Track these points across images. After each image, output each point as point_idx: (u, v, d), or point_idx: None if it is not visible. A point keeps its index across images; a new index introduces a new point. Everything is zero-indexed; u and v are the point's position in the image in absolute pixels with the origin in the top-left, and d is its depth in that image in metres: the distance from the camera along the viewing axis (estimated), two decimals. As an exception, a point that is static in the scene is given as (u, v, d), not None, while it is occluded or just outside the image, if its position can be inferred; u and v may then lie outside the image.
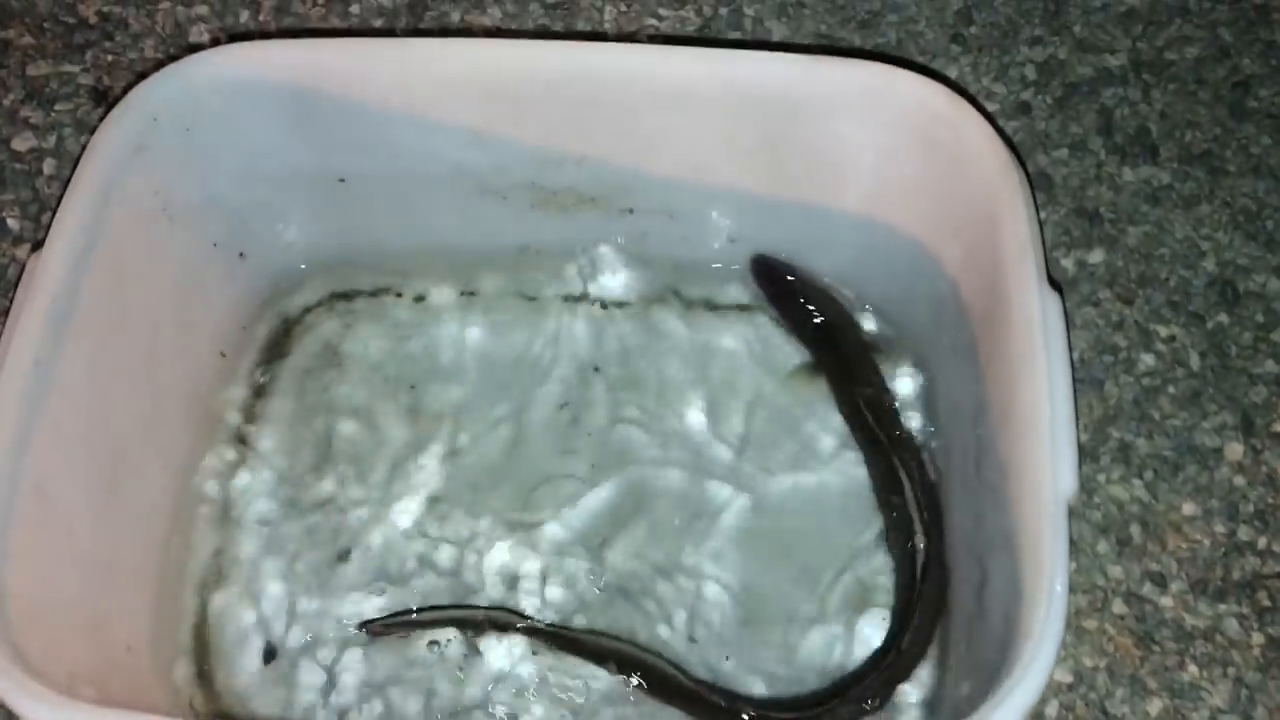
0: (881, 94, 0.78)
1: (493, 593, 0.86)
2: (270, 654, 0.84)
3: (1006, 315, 0.70)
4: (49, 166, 1.05)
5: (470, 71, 0.81)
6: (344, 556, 0.87)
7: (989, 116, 0.79)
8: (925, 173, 0.80)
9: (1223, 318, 0.97)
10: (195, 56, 0.81)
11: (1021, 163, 0.75)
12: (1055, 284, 0.70)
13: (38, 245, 0.75)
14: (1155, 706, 0.84)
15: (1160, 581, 0.88)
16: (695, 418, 0.92)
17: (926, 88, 0.77)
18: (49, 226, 0.75)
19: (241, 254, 0.91)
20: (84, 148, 0.78)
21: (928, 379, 0.91)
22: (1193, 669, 0.85)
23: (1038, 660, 0.59)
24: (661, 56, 0.82)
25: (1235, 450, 0.92)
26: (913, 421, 0.89)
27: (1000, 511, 0.69)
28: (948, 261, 0.82)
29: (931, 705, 0.80)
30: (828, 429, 0.91)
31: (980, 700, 0.61)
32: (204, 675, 0.83)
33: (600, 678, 0.82)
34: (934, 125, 0.77)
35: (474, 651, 0.83)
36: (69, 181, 0.76)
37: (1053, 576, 0.61)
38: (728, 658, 0.83)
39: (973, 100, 0.81)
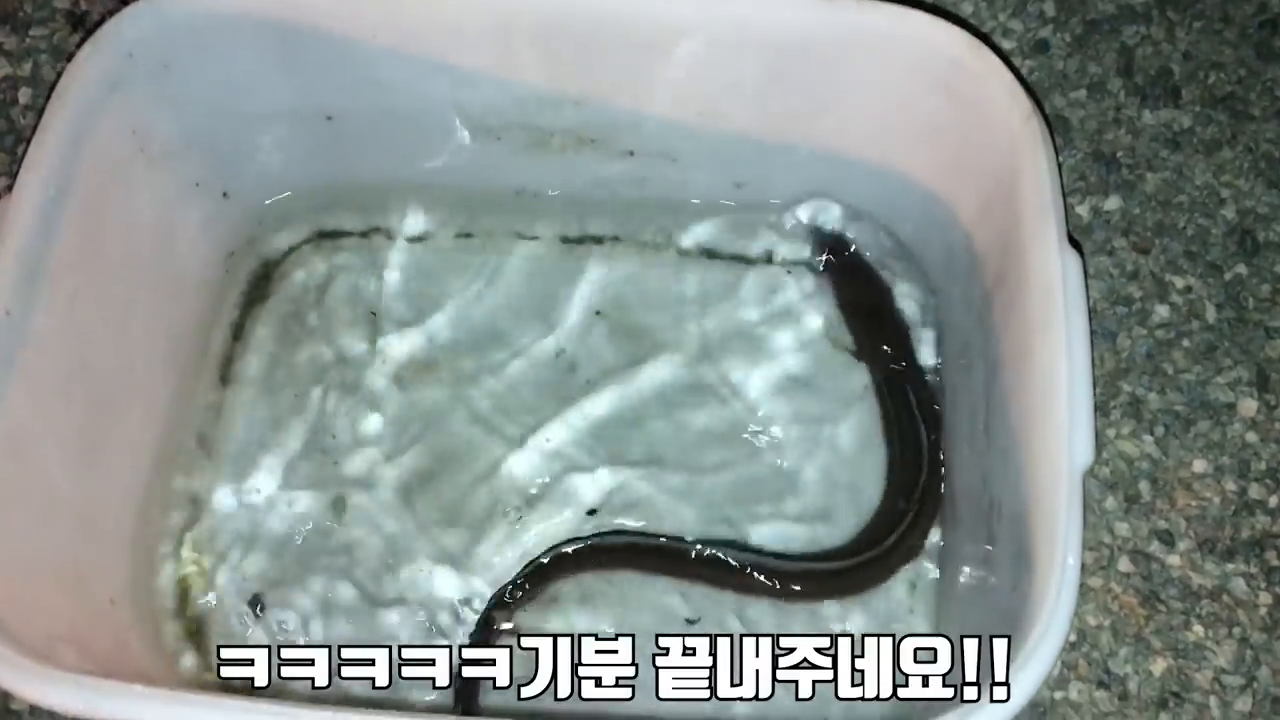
0: (896, 37, 0.74)
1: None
2: (257, 603, 0.82)
3: (1024, 274, 0.66)
4: (24, 95, 1.01)
5: (462, 7, 0.77)
6: (338, 505, 0.85)
7: (1007, 59, 0.75)
8: (941, 120, 0.77)
9: (1241, 268, 0.94)
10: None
11: (1042, 111, 0.71)
12: (1075, 242, 0.66)
13: (8, 189, 0.71)
14: (1159, 666, 0.83)
15: (1168, 540, 0.86)
16: (694, 367, 0.89)
17: (945, 32, 0.73)
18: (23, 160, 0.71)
19: (225, 194, 0.87)
20: (58, 77, 0.74)
21: (935, 330, 0.88)
22: (1198, 629, 0.84)
23: (1047, 638, 0.57)
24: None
25: (1249, 406, 0.90)
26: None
27: (1011, 477, 0.66)
28: (962, 212, 0.79)
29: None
30: (836, 379, 0.89)
31: (988, 670, 0.59)
32: (190, 627, 0.82)
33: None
34: (952, 72, 0.73)
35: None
36: (41, 116, 0.73)
37: (1065, 551, 0.59)
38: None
39: (989, 41, 0.77)
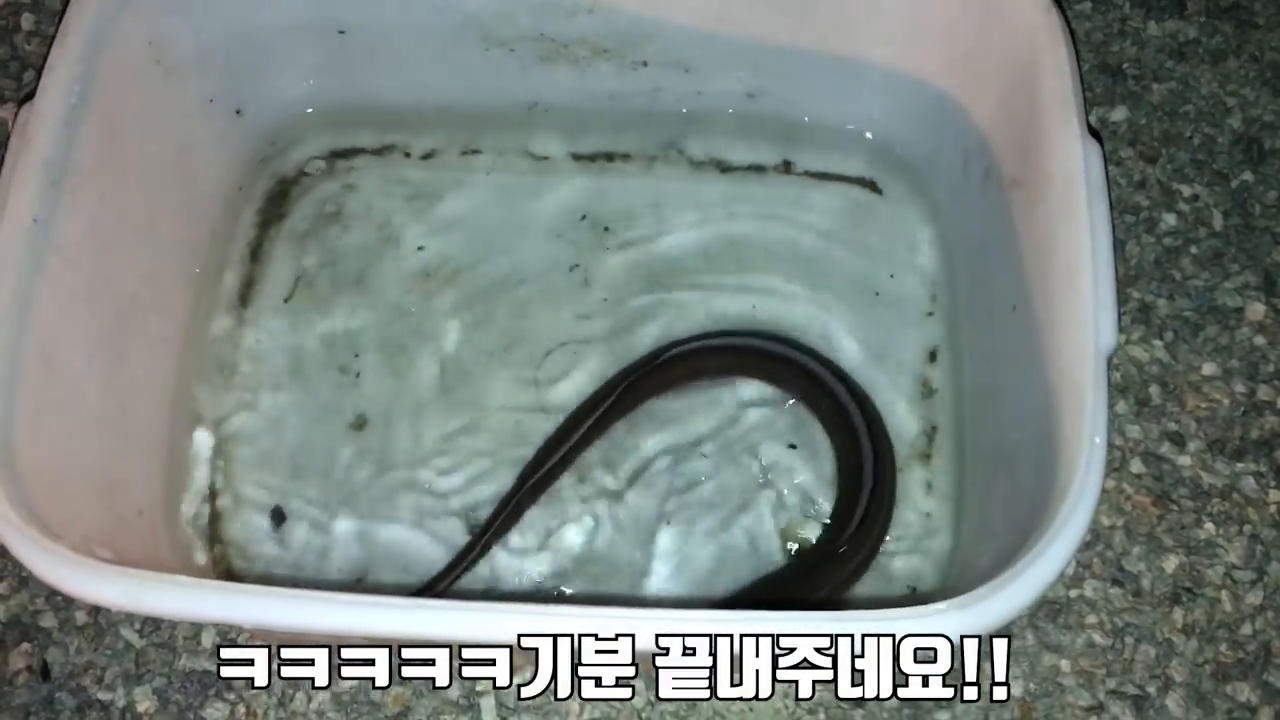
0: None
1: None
2: (279, 516, 0.83)
3: (1046, 166, 0.67)
4: (27, 21, 1.00)
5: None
6: (359, 425, 0.85)
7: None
8: (957, 19, 0.77)
9: (1247, 176, 0.95)
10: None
11: (1060, 5, 0.71)
12: (1095, 133, 0.67)
13: (28, 97, 0.71)
14: (1171, 563, 0.84)
15: (1178, 441, 0.87)
16: (709, 282, 0.90)
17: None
18: (32, 85, 0.71)
19: (238, 111, 0.87)
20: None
21: (941, 230, 0.89)
22: (1209, 526, 0.85)
23: (1078, 512, 0.58)
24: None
25: (1257, 310, 0.91)
26: (926, 267, 0.89)
27: (1033, 365, 0.67)
28: (978, 112, 0.79)
29: (950, 556, 0.80)
30: (845, 284, 0.90)
31: (1016, 551, 0.60)
32: (215, 538, 0.82)
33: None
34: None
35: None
36: (55, 33, 0.72)
37: (1094, 429, 0.60)
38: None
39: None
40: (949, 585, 0.79)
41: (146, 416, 0.79)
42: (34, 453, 0.64)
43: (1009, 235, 0.74)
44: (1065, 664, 0.81)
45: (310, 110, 0.91)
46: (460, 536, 0.82)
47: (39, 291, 0.67)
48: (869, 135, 0.90)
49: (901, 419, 0.85)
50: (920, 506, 0.83)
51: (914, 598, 0.76)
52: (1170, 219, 0.94)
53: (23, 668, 0.79)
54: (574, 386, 0.86)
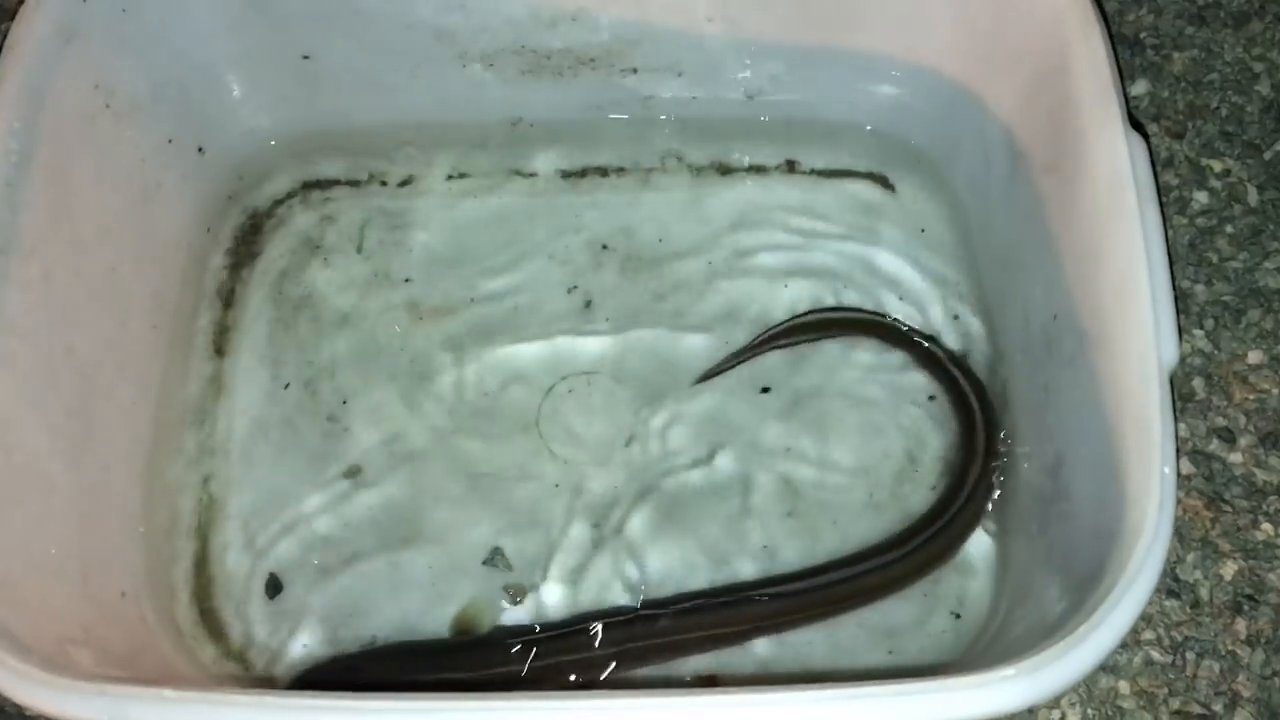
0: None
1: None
2: (275, 586, 0.77)
3: (1086, 166, 0.61)
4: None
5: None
6: (353, 474, 0.80)
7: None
8: (972, 6, 0.71)
9: (1280, 147, 0.90)
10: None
11: (1091, -15, 0.65)
12: (1137, 125, 0.61)
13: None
14: (1229, 569, 0.79)
15: (1228, 437, 0.82)
16: (719, 295, 0.84)
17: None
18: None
19: (200, 148, 0.81)
20: (2, 38, 0.67)
21: (965, 230, 0.83)
22: (1267, 527, 0.80)
23: (1152, 556, 0.53)
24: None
25: (1302, 290, 0.85)
26: (948, 267, 0.83)
27: (1085, 384, 0.62)
28: (999, 103, 0.73)
29: (997, 571, 0.75)
30: (861, 286, 0.84)
31: (1085, 593, 0.55)
32: (206, 614, 0.77)
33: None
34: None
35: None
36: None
37: (1161, 460, 0.54)
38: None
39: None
40: (999, 613, 0.74)
41: (121, 490, 0.73)
42: (-2, 553, 0.59)
43: (1043, 236, 0.68)
44: (1124, 685, 0.76)
45: (277, 141, 0.85)
46: (471, 591, 0.76)
47: (-12, 379, 0.61)
48: (879, 130, 0.85)
49: (930, 432, 0.80)
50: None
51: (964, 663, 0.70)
52: (1202, 197, 0.88)
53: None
54: (579, 423, 0.80)
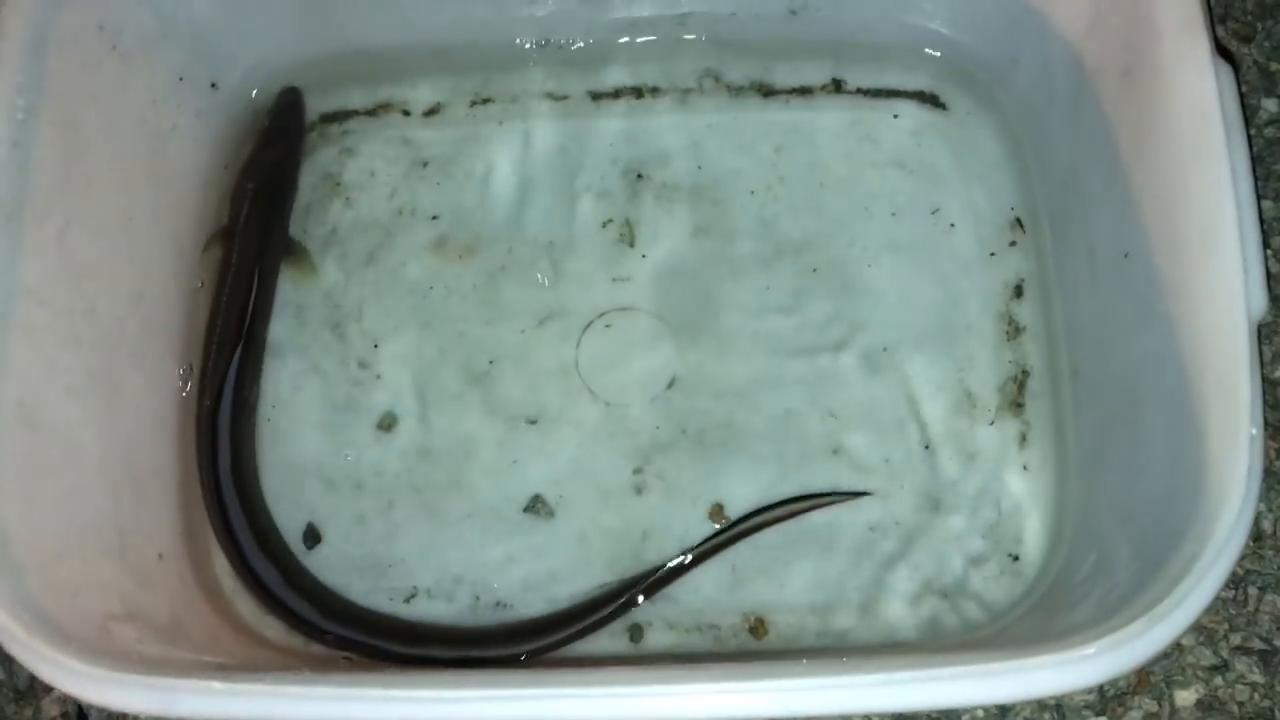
0: None
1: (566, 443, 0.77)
2: (313, 536, 0.76)
3: (1167, 95, 0.57)
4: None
5: None
6: (388, 421, 0.77)
7: None
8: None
9: (1359, 50, 0.84)
10: None
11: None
12: (1225, 51, 0.56)
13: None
14: (1294, 501, 0.76)
15: (1298, 368, 0.78)
16: (762, 227, 0.80)
17: None
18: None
19: (213, 84, 0.77)
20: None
21: (1021, 154, 0.79)
22: (1334, 455, 0.77)
23: (1239, 527, 0.50)
24: None
25: (1376, 208, 0.81)
26: (1004, 193, 0.78)
27: (1160, 330, 0.58)
28: (1065, 24, 0.68)
29: (1057, 515, 0.73)
30: (913, 213, 0.80)
31: (1162, 559, 0.52)
32: (247, 569, 0.75)
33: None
34: None
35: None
36: None
37: (1248, 420, 0.51)
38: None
39: None
40: (1059, 556, 0.72)
41: (152, 450, 0.71)
42: (31, 535, 0.57)
43: (1112, 167, 0.64)
44: (1183, 621, 0.74)
45: (294, 71, 0.80)
46: (512, 537, 0.75)
47: (10, 346, 0.58)
48: (930, 47, 0.80)
49: (986, 364, 0.77)
50: (1015, 461, 0.75)
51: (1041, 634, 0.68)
52: (1271, 105, 0.84)
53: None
54: (619, 362, 0.78)
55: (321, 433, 0.77)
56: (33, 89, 0.60)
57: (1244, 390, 0.51)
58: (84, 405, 0.64)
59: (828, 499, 0.74)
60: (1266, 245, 0.81)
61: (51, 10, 0.61)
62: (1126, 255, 0.62)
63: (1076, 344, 0.73)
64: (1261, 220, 0.80)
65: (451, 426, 0.77)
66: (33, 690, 0.75)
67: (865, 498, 0.75)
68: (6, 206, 0.58)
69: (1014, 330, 0.78)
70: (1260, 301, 0.52)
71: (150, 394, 0.71)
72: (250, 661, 0.68)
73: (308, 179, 0.82)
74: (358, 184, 0.82)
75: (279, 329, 0.79)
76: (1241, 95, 0.82)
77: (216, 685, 0.50)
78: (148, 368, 0.71)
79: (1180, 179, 0.56)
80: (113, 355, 0.68)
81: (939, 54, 0.79)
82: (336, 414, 0.78)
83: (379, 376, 0.78)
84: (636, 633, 0.74)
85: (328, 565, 0.75)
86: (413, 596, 0.75)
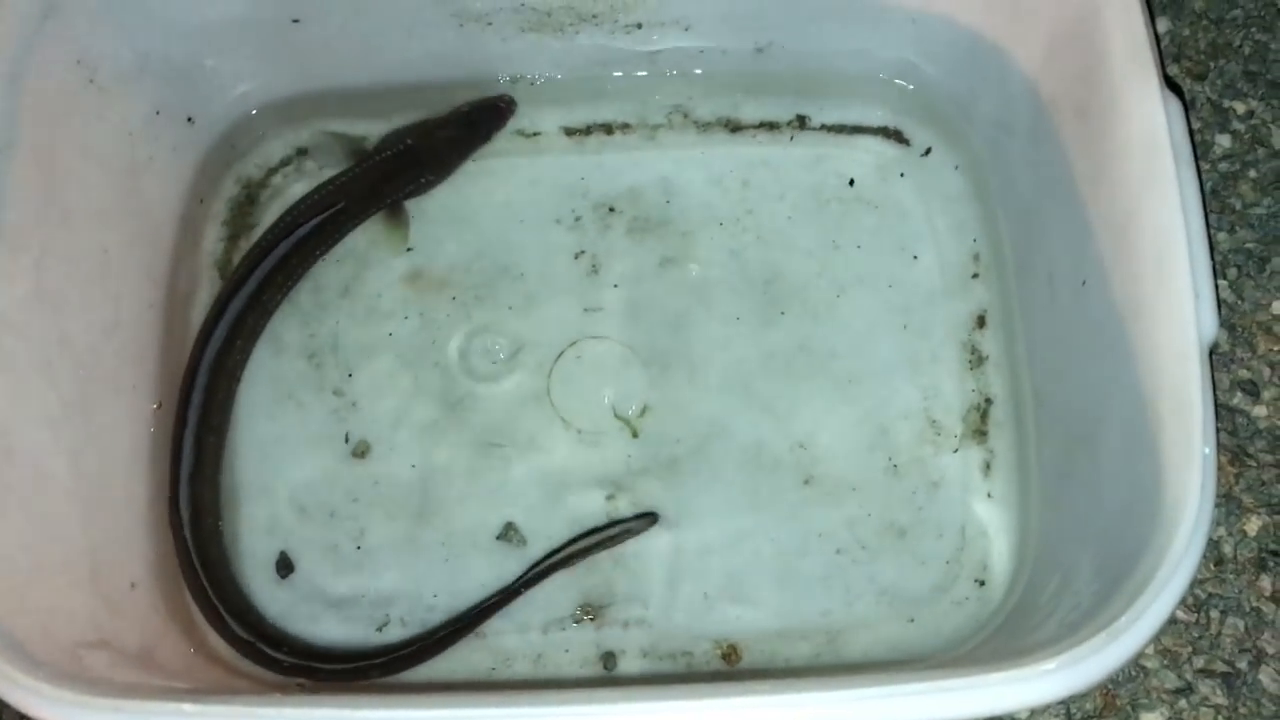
0: None
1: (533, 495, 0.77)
2: (285, 565, 0.76)
3: (1119, 127, 0.59)
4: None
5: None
6: (362, 450, 0.78)
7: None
8: (995, -48, 0.67)
9: (1306, 87, 0.87)
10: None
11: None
12: (1173, 85, 0.58)
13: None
14: (1254, 525, 0.78)
15: (1252, 390, 0.80)
16: (730, 258, 0.82)
17: None
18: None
19: (189, 119, 0.78)
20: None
21: (982, 187, 0.81)
22: (1291, 481, 0.79)
23: (1194, 542, 0.51)
24: None
25: (1327, 236, 0.83)
26: (967, 225, 0.80)
27: (1118, 349, 0.60)
28: (1021, 58, 0.70)
29: (1021, 540, 0.74)
30: (877, 246, 0.82)
31: (1121, 575, 0.53)
32: (220, 597, 0.75)
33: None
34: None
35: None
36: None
37: (1201, 439, 0.53)
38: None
39: None
40: (1021, 580, 0.73)
41: (126, 479, 0.71)
42: (2, 561, 0.57)
43: (1070, 199, 0.66)
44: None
45: (269, 107, 0.82)
46: (485, 564, 0.75)
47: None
48: (892, 83, 0.82)
49: (951, 393, 0.78)
50: (980, 488, 0.77)
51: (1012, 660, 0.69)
52: (1225, 141, 0.86)
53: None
54: (591, 391, 0.78)
55: (296, 461, 0.78)
56: (9, 120, 0.61)
57: (1197, 410, 0.52)
58: (56, 434, 0.65)
59: (621, 529, 0.75)
60: (1223, 276, 0.83)
61: (29, 43, 0.62)
62: (1084, 283, 0.64)
63: (1038, 371, 0.74)
64: (1214, 251, 0.82)
65: (425, 454, 0.78)
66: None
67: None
68: (-17, 229, 0.59)
69: (977, 359, 0.79)
70: (1211, 324, 0.54)
71: (123, 424, 0.71)
72: (223, 690, 0.68)
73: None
74: (332, 217, 0.83)
75: (257, 361, 0.79)
76: (1195, 131, 0.85)
77: (187, 708, 0.50)
78: (121, 398, 0.72)
79: (1133, 207, 0.57)
80: (86, 385, 0.68)
81: (901, 89, 0.81)
82: (311, 442, 0.78)
83: (354, 405, 0.79)
84: (610, 660, 0.74)
85: (300, 593, 0.75)
86: (385, 625, 0.75)
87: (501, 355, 0.80)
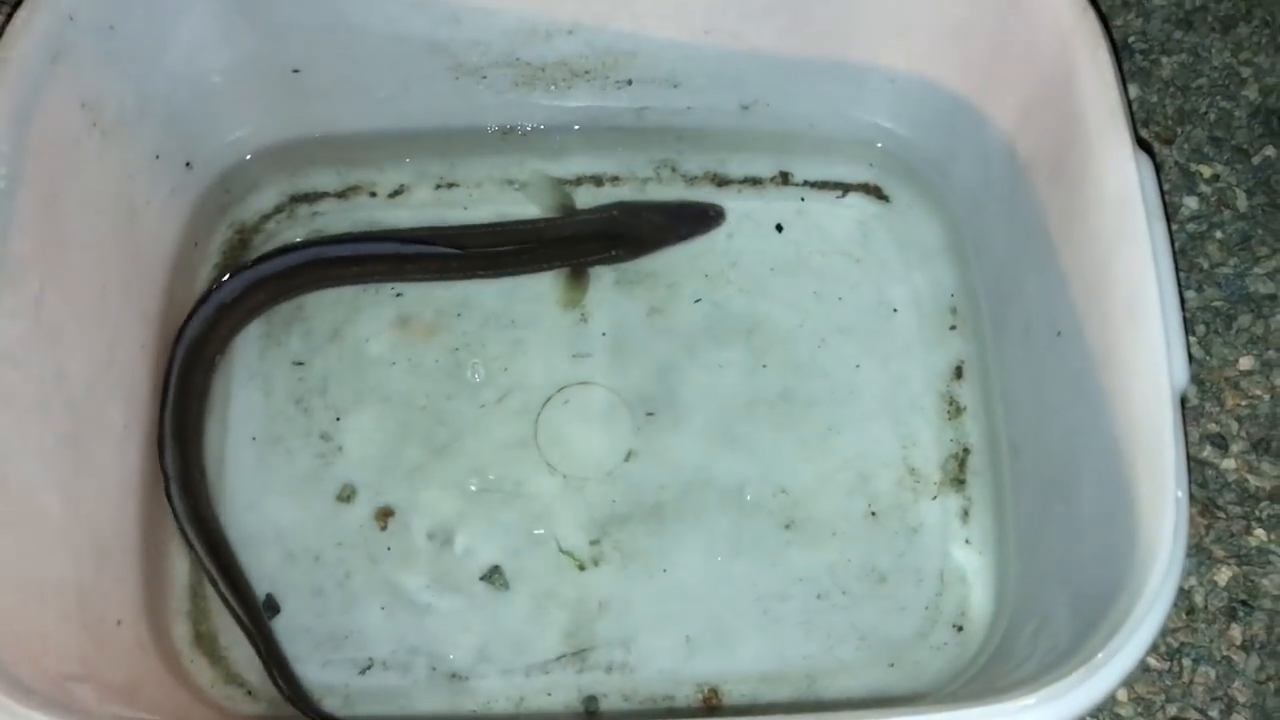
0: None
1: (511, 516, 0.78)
2: (272, 607, 0.76)
3: (1093, 183, 0.61)
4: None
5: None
6: (347, 496, 0.79)
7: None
8: (973, 18, 0.70)
9: (1270, 150, 0.90)
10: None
11: (1094, 3, 0.65)
12: (1144, 143, 0.61)
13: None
14: (1224, 575, 0.80)
15: (1220, 444, 0.82)
16: (715, 308, 0.84)
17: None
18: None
19: (188, 163, 0.79)
20: None
21: (960, 242, 0.83)
22: (1260, 533, 0.81)
23: (1168, 581, 0.53)
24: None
25: (1291, 295, 0.86)
26: (944, 278, 0.83)
27: (1093, 398, 0.62)
28: (999, 116, 0.73)
29: (999, 588, 0.76)
30: (857, 299, 0.84)
31: (1098, 616, 0.55)
32: (203, 638, 0.76)
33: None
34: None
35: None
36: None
37: (1175, 484, 0.54)
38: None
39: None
40: (1001, 625, 0.74)
41: (115, 516, 0.72)
42: (-4, 591, 0.57)
43: (1045, 253, 0.68)
44: (1121, 692, 0.77)
45: (265, 154, 0.83)
46: (469, 608, 0.76)
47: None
48: (873, 142, 0.84)
49: (929, 442, 0.80)
50: (958, 534, 0.78)
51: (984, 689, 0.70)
52: (1192, 203, 0.89)
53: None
54: (577, 436, 0.80)
55: (282, 504, 0.78)
56: (15, 159, 0.62)
57: (1169, 455, 0.54)
58: (48, 468, 0.65)
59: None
60: (1191, 333, 0.85)
61: (38, 85, 0.64)
62: (1059, 334, 0.66)
63: (1014, 421, 0.76)
64: (1184, 306, 0.84)
65: (411, 498, 0.79)
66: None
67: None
68: (-14, 260, 0.60)
69: (955, 409, 0.81)
70: (1182, 372, 0.56)
71: (113, 461, 0.72)
72: (206, 729, 0.68)
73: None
74: (324, 262, 0.85)
75: (246, 403, 0.80)
76: (1164, 193, 0.88)
77: (180, 738, 0.50)
78: (112, 435, 0.72)
79: (1106, 259, 0.60)
80: (78, 421, 0.69)
81: (882, 147, 0.84)
82: (298, 486, 0.79)
83: (340, 449, 0.80)
84: (592, 703, 0.75)
85: (286, 635, 0.75)
86: (368, 668, 0.75)
87: (489, 400, 0.81)
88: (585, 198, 0.86)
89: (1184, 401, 0.82)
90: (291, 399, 0.81)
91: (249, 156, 0.83)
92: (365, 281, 0.82)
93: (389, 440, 0.80)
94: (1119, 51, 0.92)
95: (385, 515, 0.78)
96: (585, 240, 0.82)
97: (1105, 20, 0.64)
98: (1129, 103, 0.63)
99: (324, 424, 0.80)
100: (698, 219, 0.84)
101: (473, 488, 0.79)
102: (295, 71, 0.77)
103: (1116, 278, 0.59)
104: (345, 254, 0.80)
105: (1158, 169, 0.87)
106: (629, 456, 0.80)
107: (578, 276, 0.82)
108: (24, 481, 0.63)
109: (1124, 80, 0.90)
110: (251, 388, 0.81)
